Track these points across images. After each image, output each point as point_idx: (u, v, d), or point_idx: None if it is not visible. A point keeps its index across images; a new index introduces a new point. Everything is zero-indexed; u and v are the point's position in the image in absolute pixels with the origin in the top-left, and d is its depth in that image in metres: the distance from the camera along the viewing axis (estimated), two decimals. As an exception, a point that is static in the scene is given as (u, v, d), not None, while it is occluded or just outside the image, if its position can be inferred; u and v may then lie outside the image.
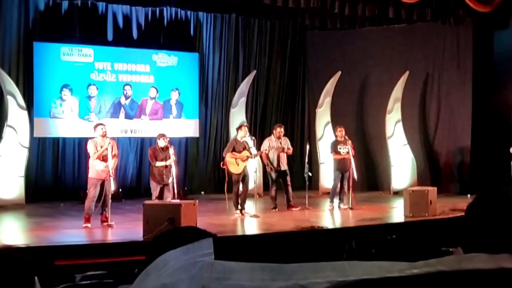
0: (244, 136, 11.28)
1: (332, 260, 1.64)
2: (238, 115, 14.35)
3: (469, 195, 12.43)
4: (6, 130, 12.16)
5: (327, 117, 14.91)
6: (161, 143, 10.51)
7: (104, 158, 9.76)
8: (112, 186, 9.91)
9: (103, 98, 13.88)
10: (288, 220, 10.36)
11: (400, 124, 14.39)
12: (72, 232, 9.43)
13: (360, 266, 1.59)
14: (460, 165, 14.43)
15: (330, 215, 11.55)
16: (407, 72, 14.36)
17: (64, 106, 13.45)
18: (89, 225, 9.61)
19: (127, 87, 14.15)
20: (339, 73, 14.86)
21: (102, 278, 4.93)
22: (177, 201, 9.60)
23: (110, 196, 9.84)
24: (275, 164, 11.60)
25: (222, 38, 15.38)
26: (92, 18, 13.82)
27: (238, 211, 11.01)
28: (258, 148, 11.62)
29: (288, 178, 11.71)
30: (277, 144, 11.62)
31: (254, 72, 14.99)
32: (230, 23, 15.44)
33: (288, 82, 16.33)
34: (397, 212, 11.42)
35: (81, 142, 12.64)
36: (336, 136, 12.23)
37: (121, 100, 14.12)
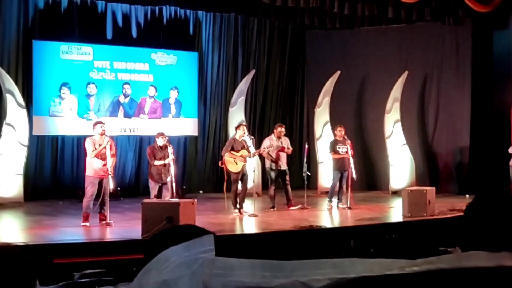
0: (243, 136, 11.28)
1: (330, 260, 1.65)
2: (237, 114, 14.35)
3: (467, 195, 12.44)
4: (5, 128, 12.15)
5: (326, 117, 14.91)
6: (160, 141, 10.51)
7: (102, 157, 9.76)
8: (110, 185, 9.91)
9: (102, 97, 13.88)
10: (286, 219, 10.36)
11: (399, 124, 14.39)
12: (71, 230, 9.43)
13: (360, 263, 1.60)
14: (459, 165, 14.45)
15: (329, 215, 11.56)
16: (406, 72, 14.36)
17: (63, 105, 13.45)
18: (87, 223, 9.61)
19: (126, 86, 14.15)
20: (338, 72, 14.86)
21: (101, 276, 4.94)
22: (175, 200, 9.60)
23: (108, 195, 9.84)
24: (274, 164, 11.60)
25: (221, 37, 15.38)
26: (92, 17, 13.81)
27: (236, 210, 11.01)
28: (257, 147, 11.62)
29: (288, 178, 11.71)
30: (278, 143, 11.62)
31: (253, 71, 14.99)
32: (229, 22, 15.44)
33: (287, 82, 16.33)
34: (396, 212, 11.43)
35: (80, 141, 12.63)
36: (335, 135, 12.23)
37: (120, 99, 14.11)
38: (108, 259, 7.48)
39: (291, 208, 11.58)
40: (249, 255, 1.65)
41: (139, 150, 14.39)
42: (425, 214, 10.43)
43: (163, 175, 10.35)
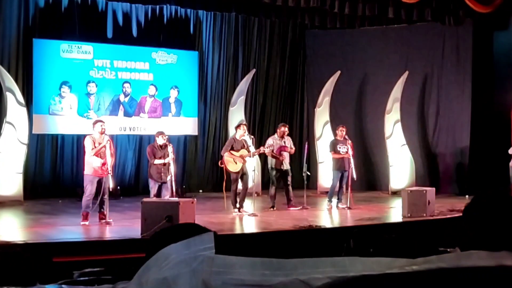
0: (243, 135, 11.27)
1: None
2: (237, 114, 14.36)
3: (467, 196, 12.44)
4: (5, 127, 12.15)
5: (326, 117, 14.91)
6: (160, 141, 10.50)
7: (101, 155, 9.75)
8: (110, 184, 9.90)
9: (102, 96, 13.88)
10: (286, 219, 10.36)
11: (399, 124, 14.39)
12: (70, 229, 9.43)
13: (360, 262, 1.60)
14: (459, 165, 14.44)
15: (328, 214, 11.56)
16: (407, 72, 14.36)
17: (63, 103, 13.45)
18: (87, 222, 9.61)
19: (126, 85, 14.15)
20: (339, 72, 14.86)
21: (100, 275, 4.92)
22: (175, 199, 9.60)
23: (108, 194, 9.84)
24: (278, 164, 11.59)
25: (222, 37, 15.38)
26: (92, 16, 13.82)
27: (236, 210, 11.01)
28: (257, 146, 11.61)
29: (289, 178, 11.70)
30: (281, 143, 11.62)
31: (254, 71, 15.00)
32: (230, 22, 15.44)
33: (287, 81, 16.34)
34: (395, 212, 11.43)
35: (80, 139, 12.61)
36: (336, 135, 12.22)
37: (120, 98, 14.11)
38: (107, 258, 7.47)
39: (291, 208, 11.57)
40: (249, 255, 1.64)
41: (139, 149, 14.39)
42: (424, 215, 10.43)
43: (163, 174, 10.35)
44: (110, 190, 10.10)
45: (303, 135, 16.10)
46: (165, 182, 10.37)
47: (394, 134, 14.34)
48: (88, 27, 13.79)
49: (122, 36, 14.13)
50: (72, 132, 13.52)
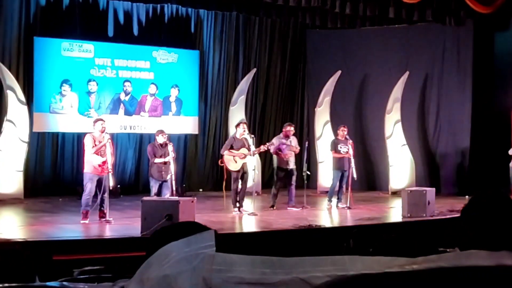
0: (243, 134, 11.26)
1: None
2: (237, 113, 14.36)
3: (467, 197, 12.41)
4: (6, 125, 12.16)
5: (326, 116, 14.91)
6: (160, 139, 10.51)
7: (101, 154, 9.75)
8: (110, 182, 9.90)
9: (102, 94, 13.88)
10: (286, 219, 10.36)
11: (399, 124, 14.39)
12: (70, 227, 9.42)
13: (360, 260, 1.60)
14: (459, 166, 14.43)
15: (328, 214, 11.56)
16: (407, 73, 14.35)
17: (64, 102, 13.45)
18: (87, 221, 9.60)
19: (127, 84, 14.15)
20: (339, 72, 14.86)
21: (100, 273, 4.93)
22: (175, 198, 9.59)
23: (108, 192, 9.83)
24: (284, 164, 11.57)
25: (223, 36, 15.38)
26: (93, 14, 13.82)
27: (236, 209, 11.00)
28: (257, 146, 11.60)
29: (294, 178, 11.69)
30: (287, 142, 11.62)
31: (254, 70, 14.99)
32: (231, 21, 15.44)
33: (288, 81, 16.33)
34: (395, 212, 11.43)
35: (80, 138, 12.57)
36: (337, 134, 12.22)
37: (121, 96, 14.11)
38: (107, 256, 7.48)
39: (291, 208, 11.55)
40: (248, 254, 1.65)
41: (139, 147, 14.39)
42: (424, 215, 10.42)
43: (163, 172, 10.36)
44: (110, 188, 10.11)
45: (303, 135, 16.08)
46: (166, 181, 10.38)
47: (394, 134, 14.33)
48: (89, 25, 13.79)
49: (123, 35, 14.13)
50: (72, 131, 13.52)
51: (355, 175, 11.70)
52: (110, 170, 9.78)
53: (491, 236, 1.81)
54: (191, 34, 15.05)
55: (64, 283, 2.27)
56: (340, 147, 11.82)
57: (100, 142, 9.78)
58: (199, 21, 15.10)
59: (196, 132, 15.07)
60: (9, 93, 12.23)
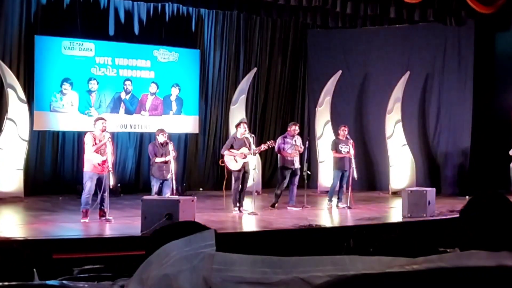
0: (244, 133, 11.25)
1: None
2: (238, 112, 14.35)
3: (467, 197, 12.40)
4: (6, 123, 12.16)
5: (327, 116, 14.90)
6: (161, 138, 10.52)
7: (101, 152, 9.75)
8: (110, 181, 9.90)
9: (103, 93, 13.88)
10: (286, 218, 10.36)
11: (399, 124, 14.38)
12: (70, 226, 9.43)
13: (361, 260, 1.60)
14: (460, 166, 14.42)
15: (329, 214, 11.56)
16: (408, 72, 14.35)
17: (64, 100, 13.45)
18: (86, 219, 9.61)
19: (127, 82, 14.15)
20: (340, 72, 14.85)
21: (100, 272, 4.93)
22: (175, 197, 9.60)
23: (108, 191, 9.83)
24: (288, 163, 11.57)
25: (223, 35, 15.38)
26: (94, 13, 13.81)
27: (236, 208, 11.00)
28: (258, 145, 11.59)
29: (297, 178, 11.69)
30: (292, 142, 11.62)
31: (255, 69, 14.99)
32: (232, 20, 15.44)
33: (289, 80, 16.33)
34: (395, 212, 11.43)
35: (81, 136, 12.57)
36: (338, 134, 12.22)
37: (121, 95, 14.11)
38: (107, 255, 7.48)
39: (292, 208, 11.55)
40: (249, 253, 1.64)
41: (140, 147, 14.39)
42: (424, 215, 10.42)
43: (164, 171, 10.38)
44: (111, 187, 10.12)
45: (304, 134, 16.06)
46: (167, 180, 10.40)
47: (395, 134, 14.33)
48: (90, 24, 13.78)
49: (124, 34, 14.13)
50: (73, 129, 13.52)
51: (355, 175, 11.70)
52: (110, 169, 9.78)
53: (491, 237, 1.81)
54: (192, 33, 15.05)
55: (64, 282, 2.27)
56: (341, 147, 11.82)
57: (100, 140, 9.78)
58: (200, 20, 15.10)
59: (197, 131, 15.06)
60: (10, 92, 12.22)
